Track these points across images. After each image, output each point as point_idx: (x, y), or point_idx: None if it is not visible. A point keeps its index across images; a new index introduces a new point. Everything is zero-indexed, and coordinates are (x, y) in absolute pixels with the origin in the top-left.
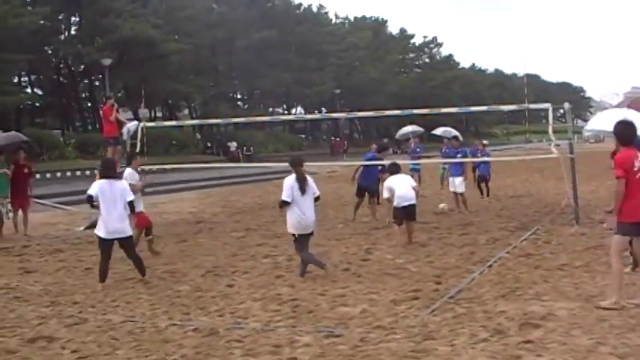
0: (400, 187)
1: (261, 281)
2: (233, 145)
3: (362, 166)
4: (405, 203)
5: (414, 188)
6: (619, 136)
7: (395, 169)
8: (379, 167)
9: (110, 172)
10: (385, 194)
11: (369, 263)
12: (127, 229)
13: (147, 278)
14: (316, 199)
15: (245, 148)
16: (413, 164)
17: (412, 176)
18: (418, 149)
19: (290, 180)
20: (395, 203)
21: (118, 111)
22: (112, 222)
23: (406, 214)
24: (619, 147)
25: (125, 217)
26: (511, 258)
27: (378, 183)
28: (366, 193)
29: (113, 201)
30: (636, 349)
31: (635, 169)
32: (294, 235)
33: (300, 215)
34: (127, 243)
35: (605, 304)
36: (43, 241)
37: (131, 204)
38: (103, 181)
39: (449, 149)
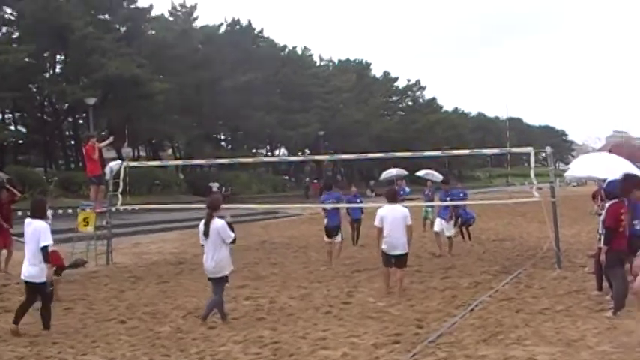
0: (391, 230)
1: (243, 323)
2: (215, 185)
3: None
4: (393, 252)
5: (408, 227)
6: (635, 185)
7: (391, 196)
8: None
9: (35, 212)
10: (376, 222)
11: (351, 306)
12: (32, 274)
13: (80, 327)
14: (231, 242)
15: (224, 188)
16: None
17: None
18: (402, 192)
19: (201, 223)
20: (383, 247)
21: (100, 151)
22: (25, 264)
23: (394, 262)
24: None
25: (34, 261)
26: (493, 302)
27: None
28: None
29: (28, 242)
30: None
31: None
32: None
33: (204, 258)
34: (29, 289)
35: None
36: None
37: (44, 250)
38: (30, 221)
39: (431, 191)
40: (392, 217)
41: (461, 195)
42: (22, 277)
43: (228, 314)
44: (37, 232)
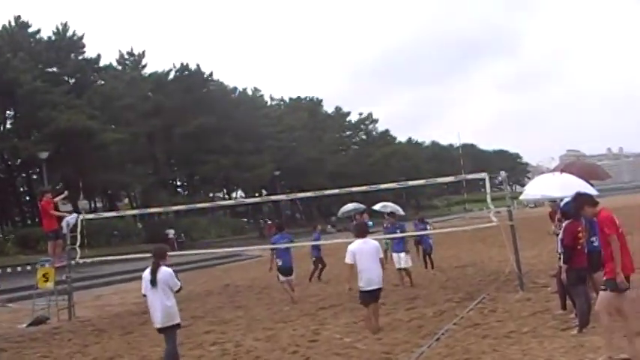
0: (365, 266)
1: None
2: (171, 232)
3: (279, 249)
4: (371, 288)
5: (380, 260)
6: (586, 204)
7: (360, 231)
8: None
9: None
10: (347, 259)
11: (318, 344)
12: None
13: None
14: (178, 290)
15: (177, 235)
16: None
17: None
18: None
19: (146, 272)
20: (360, 285)
21: (56, 207)
22: None
23: (373, 297)
24: (593, 211)
25: None
26: (459, 329)
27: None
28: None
29: None
30: None
31: (617, 225)
32: None
33: (149, 308)
34: None
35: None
36: None
37: None
38: None
39: (389, 223)
40: (365, 252)
41: (399, 228)
42: None
43: None
44: None
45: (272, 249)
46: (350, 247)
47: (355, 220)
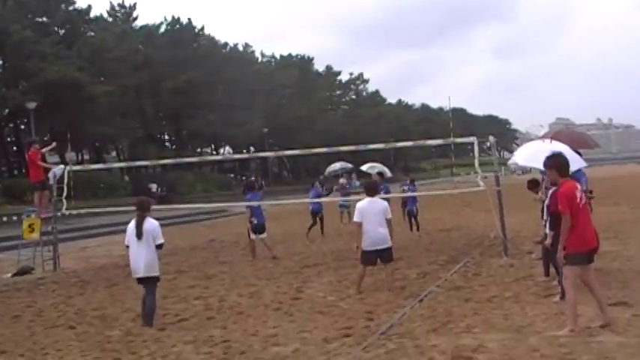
0: (371, 226)
1: (193, 324)
2: (153, 186)
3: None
4: (375, 247)
5: (388, 220)
6: (554, 168)
7: (369, 190)
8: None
9: None
10: (355, 217)
11: (301, 302)
12: None
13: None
14: (158, 246)
15: (159, 189)
16: (342, 201)
17: (341, 213)
18: (348, 186)
19: (130, 224)
20: (363, 245)
21: (44, 158)
22: None
23: (380, 258)
24: (557, 179)
25: None
26: (442, 292)
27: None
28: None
29: None
30: None
31: (577, 200)
32: None
33: (131, 258)
34: None
35: (562, 333)
36: None
37: None
38: None
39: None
40: (372, 211)
41: (383, 190)
42: None
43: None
44: None
45: (247, 207)
46: (358, 205)
47: (343, 178)
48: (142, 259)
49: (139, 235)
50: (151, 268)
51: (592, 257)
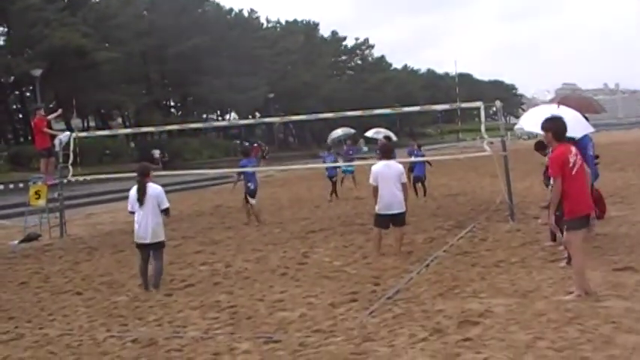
0: (386, 190)
1: (199, 289)
2: (156, 152)
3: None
4: (389, 212)
5: (403, 184)
6: (551, 132)
7: (385, 152)
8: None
9: None
10: (371, 180)
11: (307, 267)
12: None
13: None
14: (164, 211)
15: (162, 155)
16: (346, 166)
17: (343, 178)
18: (351, 151)
19: (133, 189)
20: (377, 208)
21: (49, 125)
22: None
23: (392, 222)
24: (552, 143)
25: None
26: (448, 256)
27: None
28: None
29: None
30: (574, 342)
31: (571, 164)
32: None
33: (135, 224)
34: None
35: (569, 297)
36: None
37: None
38: None
39: None
40: (387, 175)
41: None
42: None
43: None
44: None
45: (239, 173)
46: (373, 169)
47: (346, 144)
48: (147, 225)
49: (141, 200)
50: (157, 233)
51: (586, 223)
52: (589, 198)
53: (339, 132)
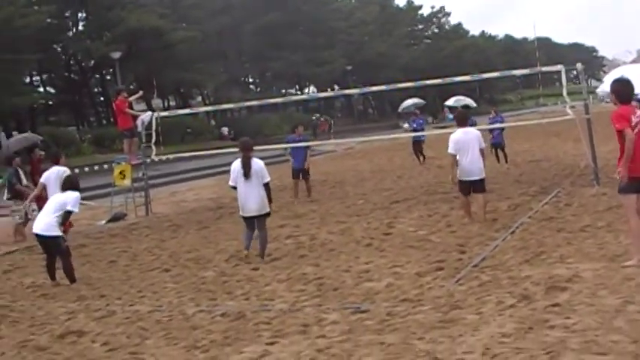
0: (465, 157)
1: (285, 262)
2: (225, 129)
3: (291, 149)
4: (470, 178)
5: (481, 150)
6: (616, 94)
7: (460, 119)
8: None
9: (66, 186)
10: (450, 149)
11: (392, 237)
12: (44, 227)
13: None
14: (265, 185)
15: (228, 131)
16: (418, 136)
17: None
18: (421, 121)
19: (235, 164)
20: (458, 175)
21: (131, 106)
22: (39, 218)
23: (472, 187)
24: (617, 105)
25: (49, 217)
26: (533, 223)
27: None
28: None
29: (50, 200)
30: None
31: (633, 124)
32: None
33: (240, 198)
34: (42, 244)
35: (630, 263)
36: (66, 237)
37: (68, 214)
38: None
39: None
40: (466, 142)
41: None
42: (34, 230)
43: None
44: (68, 198)
45: (286, 148)
46: (451, 137)
47: (415, 115)
48: (253, 198)
49: (247, 174)
50: (263, 206)
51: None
52: None
53: (409, 102)
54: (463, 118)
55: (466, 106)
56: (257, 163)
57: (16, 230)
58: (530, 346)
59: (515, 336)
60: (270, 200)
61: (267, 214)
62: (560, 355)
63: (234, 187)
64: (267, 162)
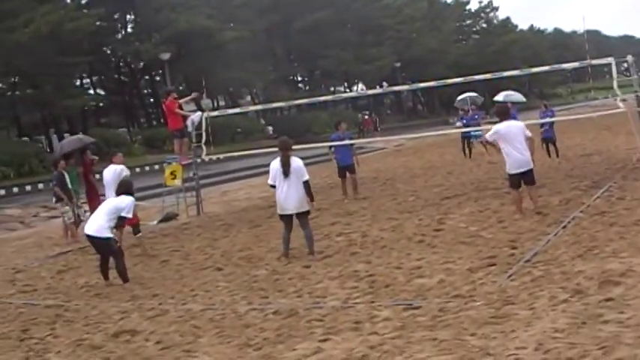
0: (511, 149)
1: (337, 259)
2: (269, 128)
3: (336, 147)
4: (519, 170)
5: (527, 139)
6: None
7: (501, 114)
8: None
9: (121, 190)
10: (488, 136)
11: (443, 233)
12: (96, 229)
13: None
14: (305, 183)
15: (272, 130)
16: (472, 132)
17: (470, 143)
18: (476, 116)
19: (274, 163)
20: (507, 168)
21: (180, 106)
22: (91, 219)
23: (522, 179)
24: None
25: (102, 219)
26: (585, 217)
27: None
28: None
29: (105, 204)
30: None
31: None
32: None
33: (279, 196)
34: (94, 245)
35: None
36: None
37: (123, 219)
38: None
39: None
40: (511, 134)
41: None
42: (86, 231)
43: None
44: (122, 203)
45: (330, 147)
46: (495, 127)
47: (470, 110)
48: (292, 196)
49: (287, 173)
50: (302, 204)
51: None
52: None
53: (464, 95)
54: (503, 112)
55: (513, 103)
56: (296, 162)
57: (67, 231)
58: (584, 341)
59: (568, 331)
60: (311, 198)
61: (307, 212)
62: (615, 350)
63: (273, 186)
64: (316, 160)
